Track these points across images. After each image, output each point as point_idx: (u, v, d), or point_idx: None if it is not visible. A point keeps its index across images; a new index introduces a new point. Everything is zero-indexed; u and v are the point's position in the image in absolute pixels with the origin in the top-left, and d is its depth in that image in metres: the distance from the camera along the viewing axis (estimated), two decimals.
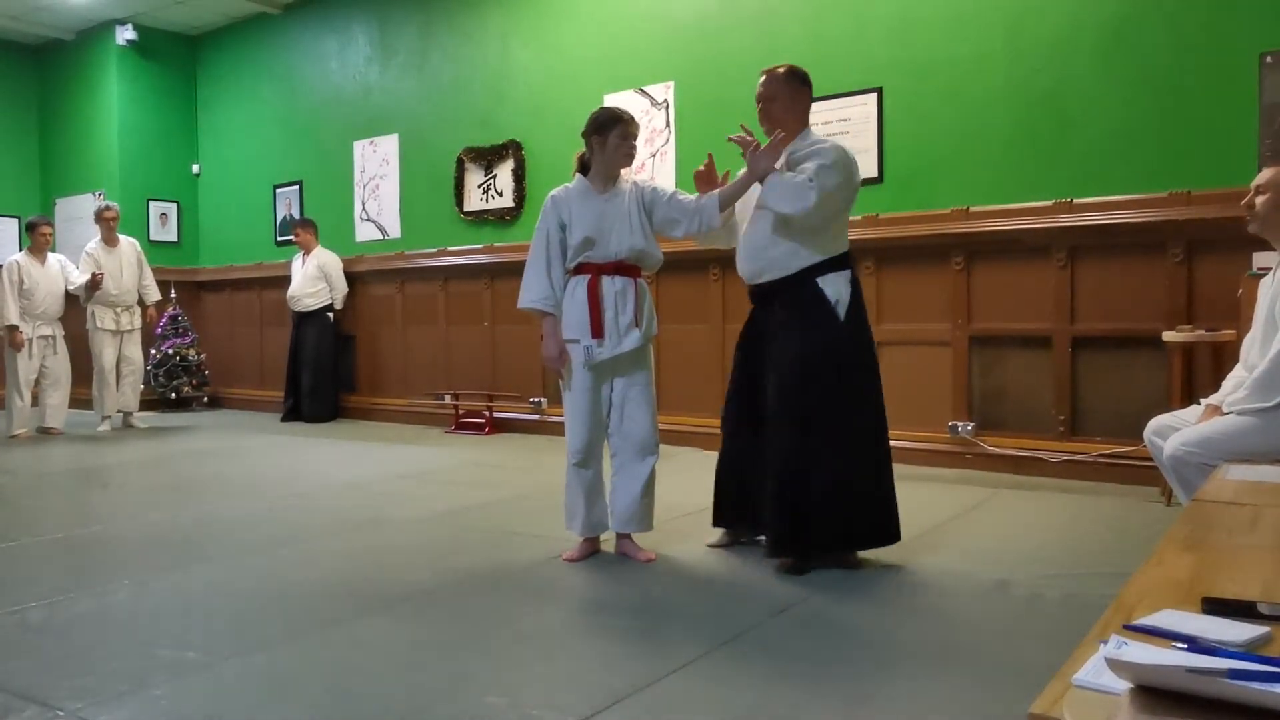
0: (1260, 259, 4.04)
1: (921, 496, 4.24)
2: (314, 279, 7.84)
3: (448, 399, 7.27)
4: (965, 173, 5.13)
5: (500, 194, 7.15)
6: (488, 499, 4.51)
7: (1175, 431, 3.06)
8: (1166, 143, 4.59)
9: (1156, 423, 3.25)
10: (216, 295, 9.31)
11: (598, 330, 3.28)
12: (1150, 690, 0.92)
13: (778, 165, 3.19)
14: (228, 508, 4.40)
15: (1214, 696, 0.89)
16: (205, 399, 8.86)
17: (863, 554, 3.27)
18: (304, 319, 7.90)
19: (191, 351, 8.65)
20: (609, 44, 6.50)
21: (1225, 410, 2.99)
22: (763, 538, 3.39)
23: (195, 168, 9.34)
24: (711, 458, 3.62)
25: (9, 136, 9.38)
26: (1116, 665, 0.95)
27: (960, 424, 5.08)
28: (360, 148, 8.04)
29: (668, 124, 6.23)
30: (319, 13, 8.32)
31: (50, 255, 7.27)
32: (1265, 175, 3.12)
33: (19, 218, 9.16)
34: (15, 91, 9.41)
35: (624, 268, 3.34)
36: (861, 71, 5.43)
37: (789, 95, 3.31)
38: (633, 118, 3.38)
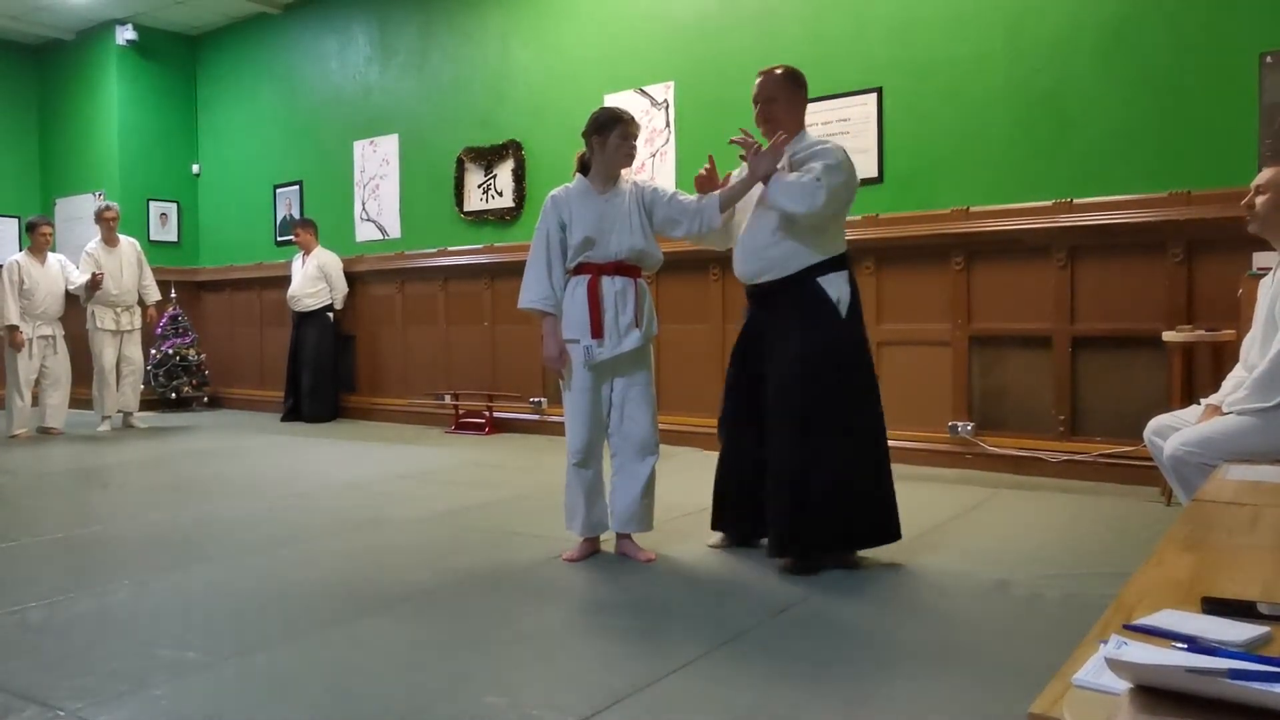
0: (1260, 259, 4.04)
1: (921, 496, 4.24)
2: (314, 279, 7.85)
3: (448, 399, 7.27)
4: (965, 173, 5.13)
5: (500, 194, 7.15)
6: (488, 499, 4.51)
7: (1175, 431, 3.06)
8: (1166, 143, 4.59)
9: (1156, 423, 3.25)
10: (216, 295, 9.31)
11: (598, 330, 3.28)
12: (1150, 690, 0.92)
13: (779, 166, 3.19)
14: (228, 508, 4.40)
15: (1214, 696, 0.89)
16: (205, 399, 8.86)
17: (863, 553, 3.27)
18: (304, 319, 7.91)
19: (191, 351, 8.65)
20: (609, 44, 6.50)
21: (1225, 410, 2.99)
22: (764, 539, 3.40)
23: (195, 168, 9.35)
24: (711, 458, 3.62)
25: (9, 136, 9.38)
26: (1116, 665, 0.95)
27: (960, 424, 5.08)
28: (360, 148, 8.04)
29: (668, 124, 6.23)
30: (319, 13, 8.32)
31: (50, 255, 7.27)
32: (1265, 175, 3.13)
33: (19, 218, 9.17)
34: (15, 91, 9.41)
35: (624, 268, 3.34)
36: (861, 71, 5.43)
37: (789, 96, 3.32)
38: (633, 118, 3.38)
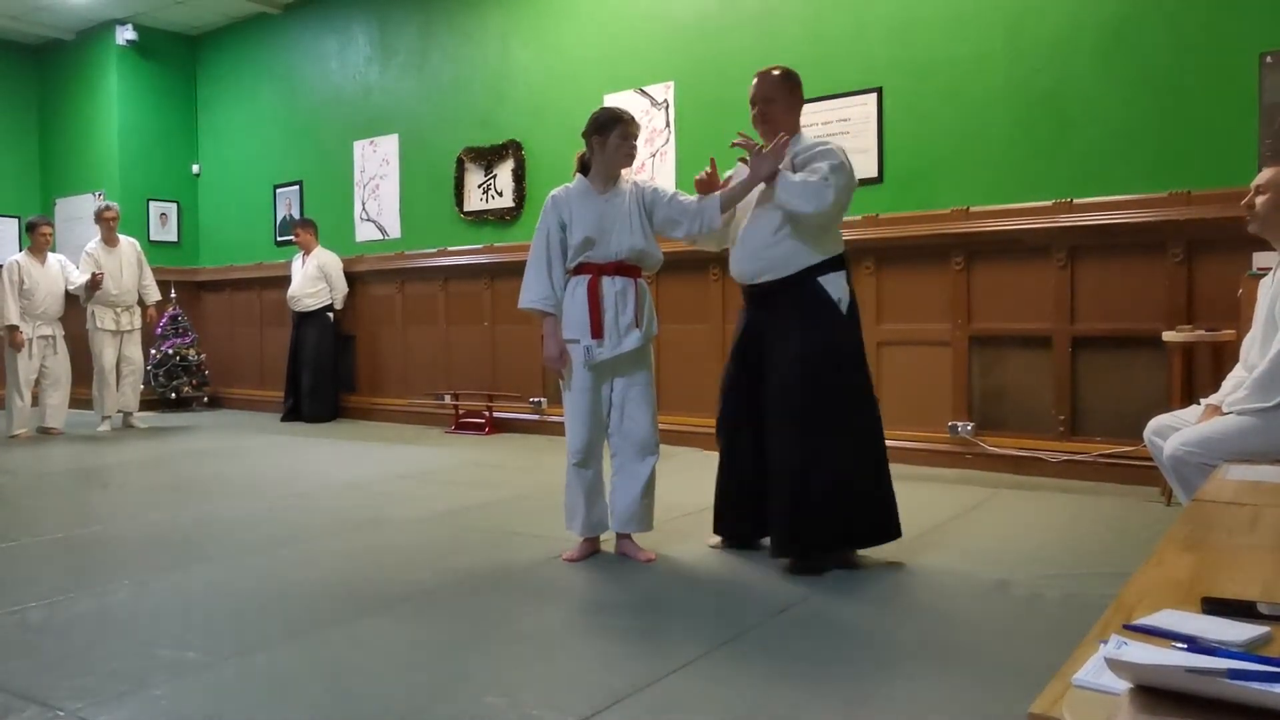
0: (1260, 259, 4.04)
1: (921, 496, 4.24)
2: (314, 279, 7.85)
3: (448, 399, 7.27)
4: (965, 173, 5.13)
5: (500, 194, 7.15)
6: (488, 499, 4.51)
7: (1175, 431, 3.06)
8: (1166, 143, 4.59)
9: (1156, 423, 3.25)
10: (216, 295, 9.31)
11: (598, 330, 3.28)
12: (1150, 690, 0.92)
13: (781, 167, 3.19)
14: (228, 508, 4.40)
15: (1214, 696, 0.89)
16: (205, 399, 8.86)
17: (863, 553, 3.27)
18: (304, 319, 7.91)
19: (191, 351, 8.65)
20: (609, 44, 6.50)
21: (1225, 410, 2.99)
22: (765, 539, 3.40)
23: (195, 168, 9.35)
24: (711, 457, 3.62)
25: (9, 136, 9.38)
26: (1116, 665, 0.95)
27: (960, 424, 5.08)
28: (360, 148, 8.04)
29: (668, 124, 6.23)
30: (319, 13, 8.32)
31: (50, 255, 7.27)
32: (1265, 175, 3.13)
33: (19, 218, 9.17)
34: (15, 91, 9.41)
35: (624, 268, 3.34)
36: (861, 71, 5.43)
37: (787, 97, 3.33)
38: (633, 118, 3.38)
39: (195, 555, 3.53)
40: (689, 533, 3.69)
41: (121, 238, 7.39)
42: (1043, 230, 4.85)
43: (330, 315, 7.91)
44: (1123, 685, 0.95)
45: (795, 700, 2.12)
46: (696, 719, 2.05)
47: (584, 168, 3.41)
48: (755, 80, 3.35)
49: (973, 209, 5.10)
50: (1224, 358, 4.08)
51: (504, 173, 7.11)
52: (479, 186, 7.28)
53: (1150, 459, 3.43)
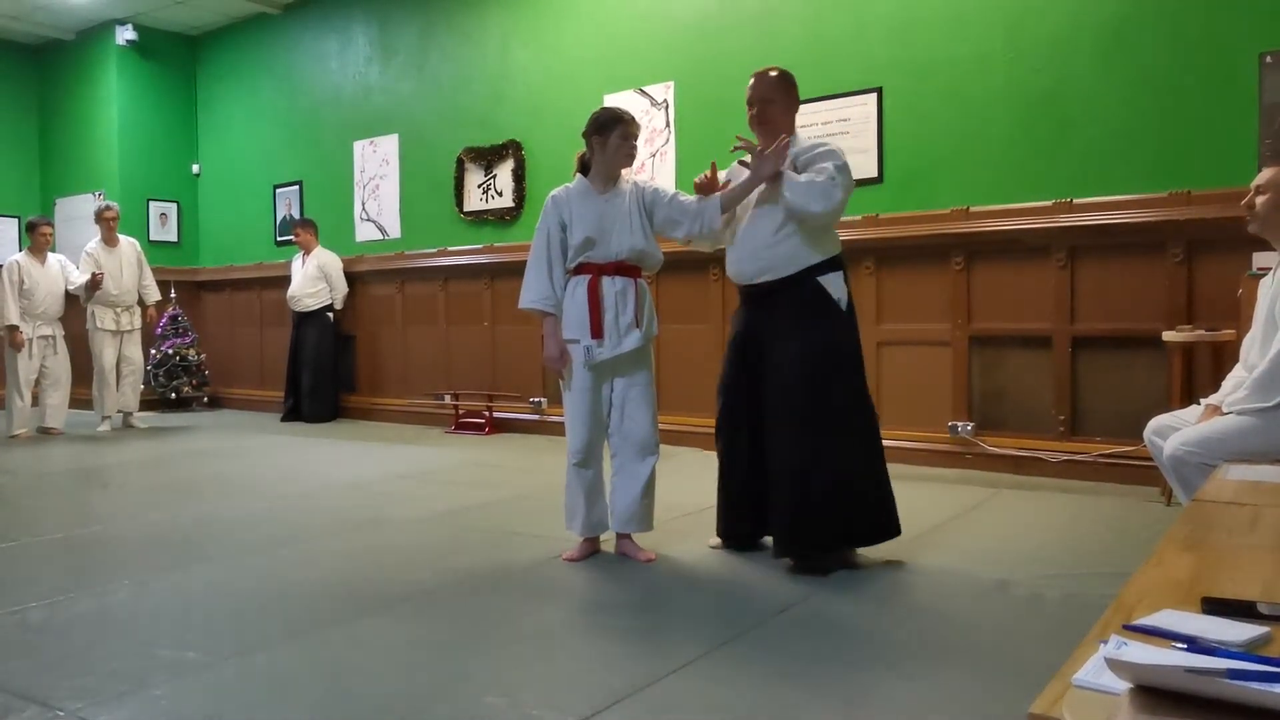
0: (1260, 259, 4.04)
1: (921, 496, 4.24)
2: (314, 279, 7.85)
3: (448, 399, 7.27)
4: (965, 173, 5.13)
5: (500, 194, 7.15)
6: (488, 499, 4.51)
7: (1175, 431, 3.06)
8: (1166, 143, 4.59)
9: (1156, 423, 3.25)
10: (216, 295, 9.31)
11: (598, 330, 3.28)
12: (1150, 690, 0.92)
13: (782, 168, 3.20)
14: (228, 508, 4.40)
15: (1213, 696, 0.89)
16: (205, 399, 8.86)
17: (863, 551, 3.27)
18: (304, 319, 7.91)
19: (191, 351, 8.65)
20: (609, 44, 6.50)
21: (1225, 410, 2.99)
22: (766, 539, 3.40)
23: (195, 168, 9.35)
24: (711, 457, 3.62)
25: (9, 136, 9.38)
26: (1116, 665, 0.95)
27: (960, 424, 5.08)
28: (360, 148, 8.04)
29: (668, 124, 6.23)
30: (319, 13, 8.32)
31: (50, 255, 7.27)
32: (1265, 175, 3.12)
33: (19, 218, 9.17)
34: (15, 91, 9.41)
35: (624, 268, 3.34)
36: (861, 71, 5.43)
37: (784, 98, 3.34)
38: (633, 118, 3.39)
39: (195, 555, 3.53)
40: (689, 533, 3.69)
41: (121, 238, 7.39)
42: (1043, 230, 4.85)
43: (330, 315, 7.91)
44: (1123, 685, 0.95)
45: (795, 700, 2.12)
46: (696, 719, 2.05)
47: (584, 168, 3.42)
48: (752, 81, 3.35)
49: (973, 209, 5.10)
50: (1224, 358, 4.08)
51: (504, 173, 7.11)
52: (479, 186, 7.28)
53: (1150, 459, 3.43)
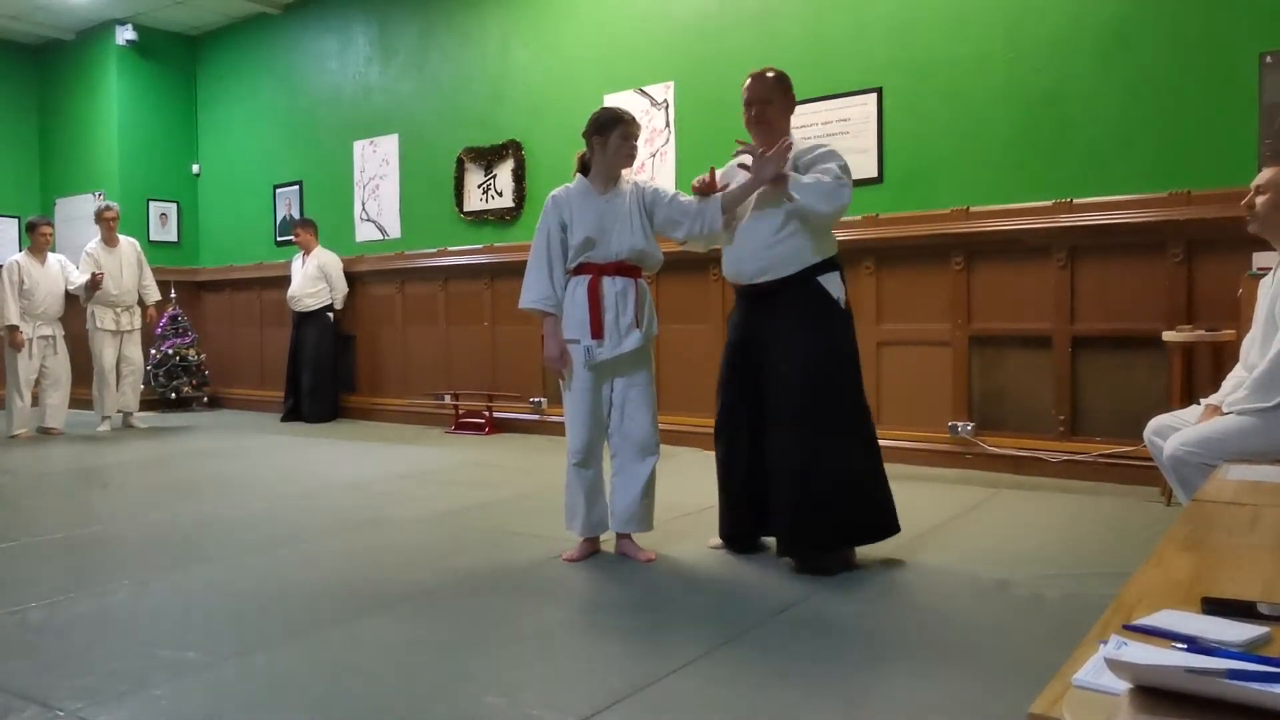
0: (1260, 259, 4.04)
1: (921, 496, 4.24)
2: (314, 279, 7.85)
3: (448, 399, 7.27)
4: (965, 173, 5.13)
5: (500, 194, 7.15)
6: (488, 499, 4.51)
7: (1175, 431, 3.06)
8: (1166, 143, 4.59)
9: (1156, 423, 3.25)
10: (216, 295, 9.31)
11: (598, 331, 3.28)
12: (1150, 690, 0.92)
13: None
14: (228, 508, 4.40)
15: (1213, 697, 0.89)
16: (205, 399, 8.86)
17: (864, 550, 3.27)
18: (304, 319, 7.91)
19: (191, 351, 8.65)
20: (609, 44, 6.50)
21: (1225, 410, 2.99)
22: (766, 538, 3.40)
23: (195, 168, 9.35)
24: (711, 457, 3.61)
25: (9, 136, 9.38)
26: (1116, 665, 0.95)
27: (960, 424, 5.08)
28: (360, 148, 8.04)
29: (668, 124, 6.23)
30: (319, 13, 8.32)
31: (50, 255, 7.27)
32: (1265, 175, 3.12)
33: (19, 218, 9.16)
34: (15, 91, 9.41)
35: (625, 268, 3.34)
36: (861, 71, 5.43)
37: (782, 99, 3.36)
38: (634, 118, 3.39)
39: (195, 555, 3.53)
40: (689, 533, 3.69)
41: (121, 238, 7.39)
42: (1043, 230, 4.85)
43: (330, 315, 7.91)
44: (1123, 685, 0.95)
45: (795, 700, 2.12)
46: (696, 719, 2.05)
47: (584, 168, 3.42)
48: (749, 82, 3.35)
49: (973, 209, 5.10)
50: (1224, 358, 4.08)
51: (504, 173, 7.11)
52: (479, 186, 7.27)
53: (1150, 459, 3.43)
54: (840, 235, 3.42)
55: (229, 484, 5.04)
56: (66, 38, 9.18)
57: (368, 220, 8.03)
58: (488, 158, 7.19)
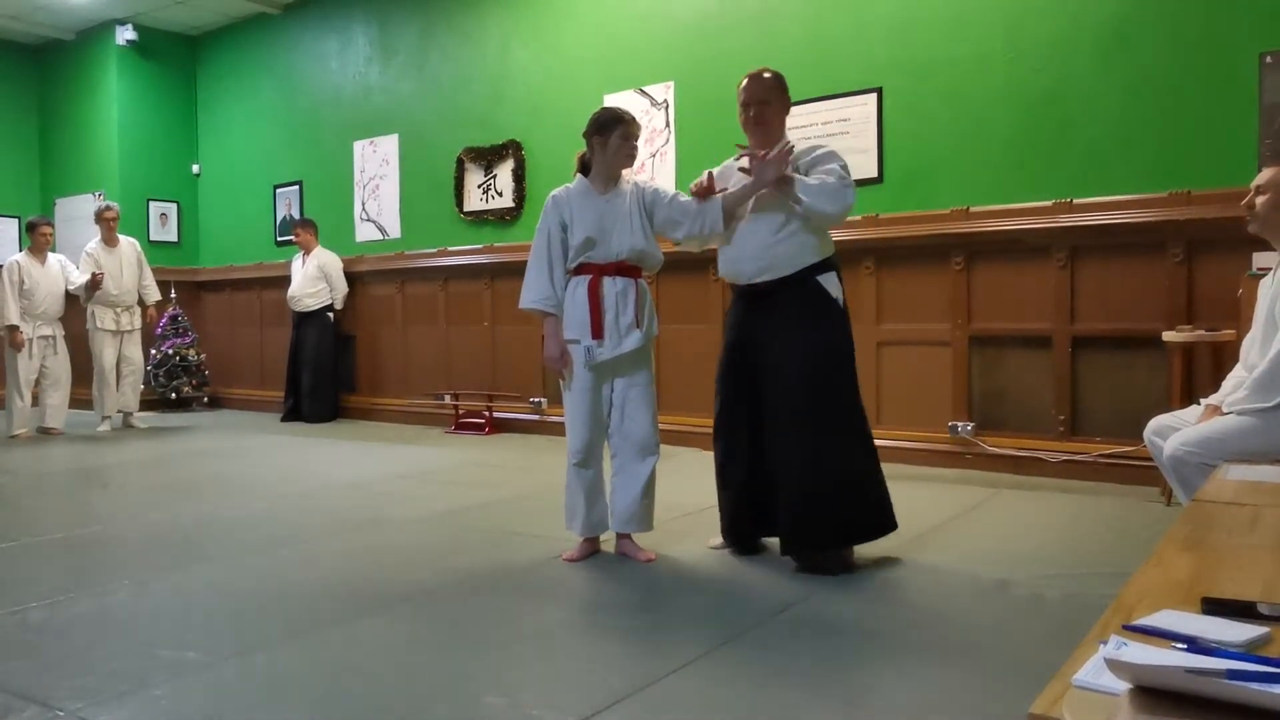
0: (1260, 259, 4.04)
1: (921, 496, 4.24)
2: (314, 279, 7.85)
3: (448, 399, 7.27)
4: (965, 173, 5.13)
5: (500, 194, 7.15)
6: (488, 499, 4.51)
7: (1175, 431, 3.06)
8: (1166, 143, 4.59)
9: (1156, 423, 3.25)
10: (216, 295, 9.31)
11: (598, 331, 3.28)
12: (1149, 691, 0.92)
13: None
14: (228, 508, 4.40)
15: (1213, 697, 0.89)
16: (205, 399, 8.86)
17: (864, 549, 3.27)
18: (304, 319, 7.91)
19: (191, 351, 8.65)
20: (609, 44, 6.50)
21: (1225, 410, 2.99)
22: (766, 538, 3.40)
23: (195, 168, 9.35)
24: (711, 457, 3.61)
25: (9, 136, 9.38)
26: (1116, 665, 0.95)
27: (960, 424, 5.08)
28: (360, 148, 8.04)
29: (668, 124, 6.23)
30: (319, 13, 8.32)
31: (50, 255, 7.27)
32: (1265, 175, 3.12)
33: (19, 218, 9.17)
34: (15, 91, 9.41)
35: (625, 268, 3.34)
36: (861, 71, 5.43)
37: (780, 99, 3.37)
38: (634, 118, 3.39)
39: (195, 555, 3.53)
40: (689, 533, 3.69)
41: (121, 238, 7.39)
42: (1043, 230, 4.85)
43: (330, 315, 7.91)
44: (1122, 685, 0.95)
45: (795, 700, 2.12)
46: (696, 719, 2.05)
47: (584, 168, 3.42)
48: (746, 82, 3.35)
49: (973, 209, 5.10)
50: (1224, 358, 4.08)
51: (504, 173, 7.11)
52: (479, 186, 7.28)
53: (1150, 459, 3.43)
54: (840, 235, 3.43)
55: (229, 484, 5.04)
56: (66, 38, 9.18)
57: (368, 220, 8.03)
58: (488, 158, 7.19)
